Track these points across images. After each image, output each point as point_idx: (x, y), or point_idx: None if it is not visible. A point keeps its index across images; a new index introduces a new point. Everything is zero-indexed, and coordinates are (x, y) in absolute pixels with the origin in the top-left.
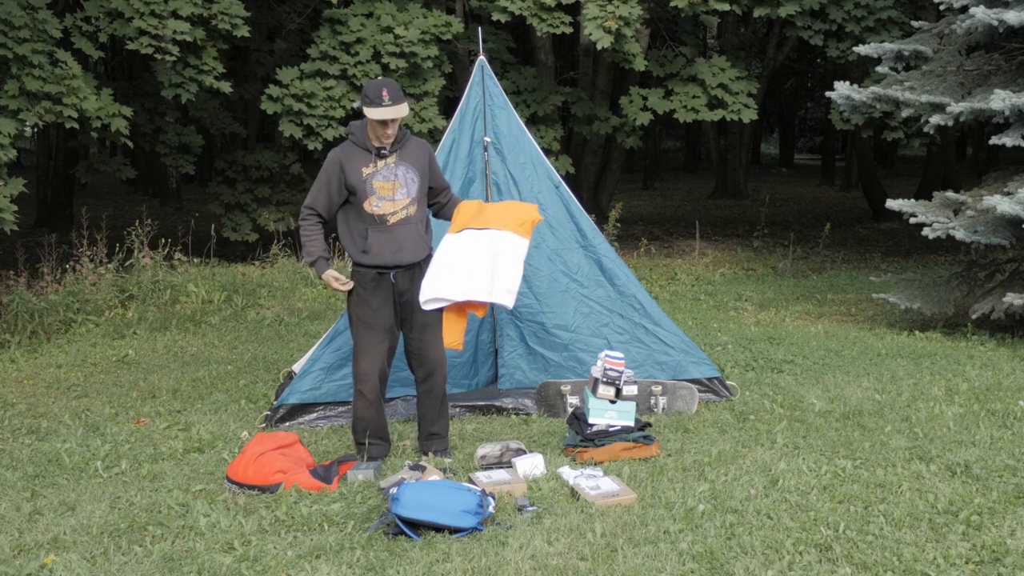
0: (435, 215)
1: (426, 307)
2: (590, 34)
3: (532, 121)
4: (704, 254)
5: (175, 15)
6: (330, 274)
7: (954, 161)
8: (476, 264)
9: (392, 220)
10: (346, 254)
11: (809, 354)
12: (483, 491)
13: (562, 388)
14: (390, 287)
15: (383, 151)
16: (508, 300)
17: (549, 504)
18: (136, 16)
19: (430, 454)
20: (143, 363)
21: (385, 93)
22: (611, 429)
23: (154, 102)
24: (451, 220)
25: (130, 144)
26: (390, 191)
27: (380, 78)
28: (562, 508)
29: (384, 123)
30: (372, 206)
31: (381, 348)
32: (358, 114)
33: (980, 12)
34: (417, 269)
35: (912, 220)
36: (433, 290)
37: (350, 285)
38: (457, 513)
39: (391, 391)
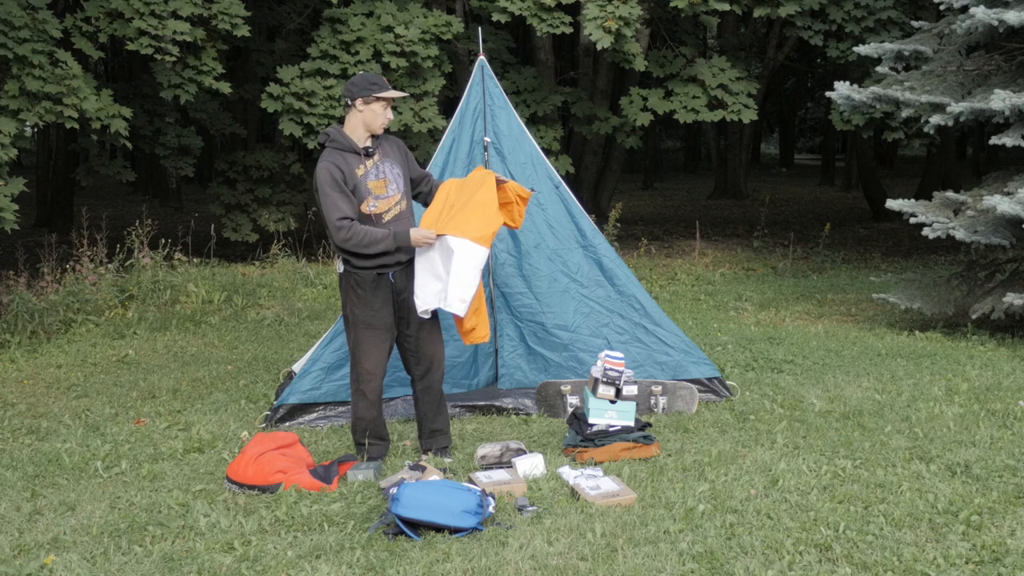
0: (424, 204)
1: (424, 316)
2: (590, 34)
3: (532, 121)
4: (704, 254)
5: (175, 15)
6: (415, 234)
7: (954, 161)
8: (435, 271)
9: (387, 218)
10: (337, 257)
11: (809, 354)
12: (483, 491)
13: (562, 388)
14: (389, 286)
15: (369, 150)
16: (460, 309)
17: (549, 504)
18: (136, 16)
19: (430, 453)
20: (143, 363)
21: (384, 78)
22: (611, 429)
23: (154, 103)
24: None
25: (129, 145)
26: (383, 189)
27: (361, 72)
28: (562, 508)
29: (388, 104)
30: (369, 207)
31: (384, 348)
32: None
33: (980, 12)
34: (411, 266)
35: (912, 220)
36: (423, 300)
37: (432, 232)
38: (457, 513)
39: (391, 391)
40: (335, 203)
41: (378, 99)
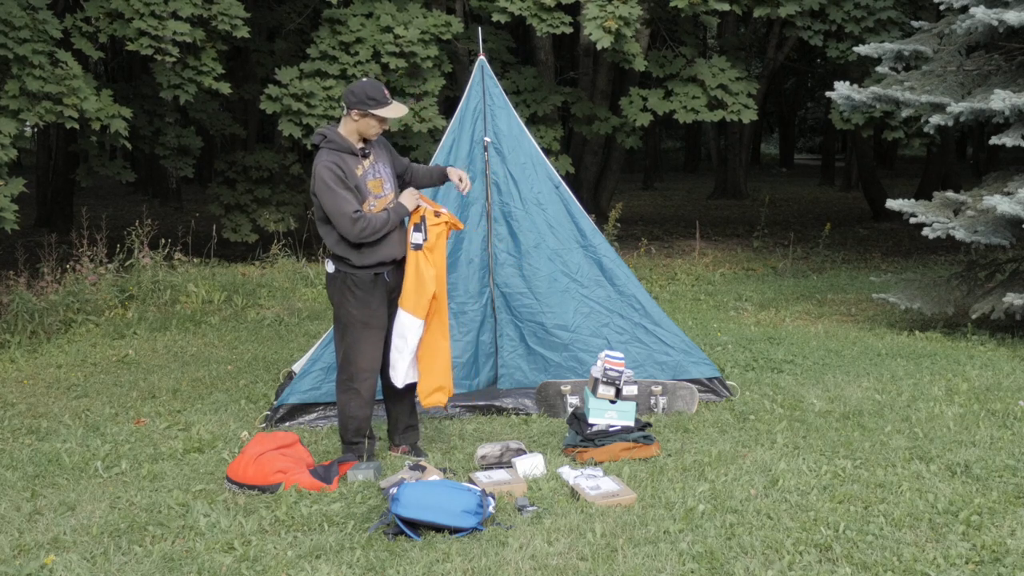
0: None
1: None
2: (590, 34)
3: (532, 121)
4: (704, 254)
5: (175, 16)
6: (406, 200)
7: (954, 161)
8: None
9: None
10: (326, 258)
11: (809, 354)
12: (483, 491)
13: (562, 388)
14: (384, 285)
15: (365, 151)
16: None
17: (549, 504)
18: (136, 17)
19: (409, 448)
20: (143, 363)
21: (386, 92)
22: (611, 429)
23: (153, 104)
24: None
25: (129, 146)
26: (380, 188)
27: (365, 79)
28: (562, 508)
29: (384, 120)
30: (369, 206)
31: (380, 346)
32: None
33: (980, 12)
34: (403, 265)
35: (912, 220)
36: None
37: (416, 191)
38: (457, 513)
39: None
40: (345, 198)
41: (373, 115)
